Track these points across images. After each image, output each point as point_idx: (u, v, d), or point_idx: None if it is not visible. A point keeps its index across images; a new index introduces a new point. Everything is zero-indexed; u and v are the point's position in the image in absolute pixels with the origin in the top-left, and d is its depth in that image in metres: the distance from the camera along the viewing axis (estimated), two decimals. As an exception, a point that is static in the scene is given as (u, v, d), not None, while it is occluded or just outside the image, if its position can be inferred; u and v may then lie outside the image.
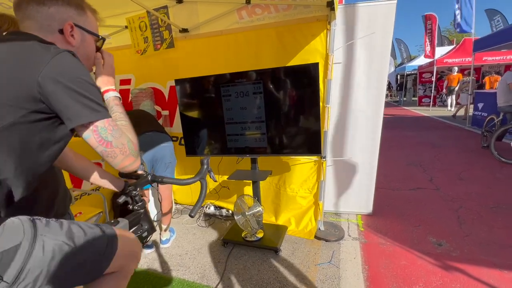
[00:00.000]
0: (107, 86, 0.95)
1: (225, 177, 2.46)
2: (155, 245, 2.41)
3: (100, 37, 0.93)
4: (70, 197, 1.04)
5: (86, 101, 0.73)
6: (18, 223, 0.69)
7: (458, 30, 8.88)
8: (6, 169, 0.69)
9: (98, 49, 0.96)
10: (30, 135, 0.72)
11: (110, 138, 0.76)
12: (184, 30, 2.57)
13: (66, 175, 2.28)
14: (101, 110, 0.76)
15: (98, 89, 0.79)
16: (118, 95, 0.97)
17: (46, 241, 0.71)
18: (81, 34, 0.86)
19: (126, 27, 2.73)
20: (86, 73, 0.75)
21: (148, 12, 2.52)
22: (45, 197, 0.90)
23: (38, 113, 0.71)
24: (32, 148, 0.73)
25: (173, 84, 2.36)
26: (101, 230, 0.84)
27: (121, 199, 1.11)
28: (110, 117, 0.78)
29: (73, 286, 0.80)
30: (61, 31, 0.82)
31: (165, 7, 2.47)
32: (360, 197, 2.71)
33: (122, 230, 0.94)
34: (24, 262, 0.66)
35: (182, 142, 2.84)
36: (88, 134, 0.74)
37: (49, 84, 0.68)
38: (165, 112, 2.94)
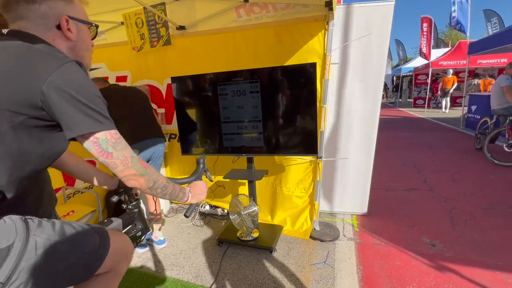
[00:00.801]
0: (188, 192, 1.04)
1: (221, 177, 2.44)
2: (149, 244, 2.38)
3: (93, 24, 0.90)
4: (56, 198, 1.02)
5: (89, 111, 0.71)
6: (10, 223, 0.68)
7: (457, 27, 8.85)
8: (0, 173, 0.68)
9: (93, 37, 0.93)
10: (27, 140, 0.70)
11: (111, 149, 0.75)
12: (181, 28, 2.54)
13: (58, 173, 2.25)
14: (105, 122, 0.74)
15: (104, 102, 0.77)
16: (187, 194, 1.03)
17: (38, 241, 0.70)
18: (76, 25, 0.83)
19: (122, 23, 2.70)
20: (92, 84, 0.74)
21: (144, 8, 2.48)
22: (34, 195, 0.88)
23: (36, 120, 0.69)
24: (28, 154, 0.72)
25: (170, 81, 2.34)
26: (94, 230, 0.82)
27: (115, 199, 1.09)
28: (114, 129, 0.77)
29: (65, 287, 0.79)
30: (58, 27, 0.80)
31: (163, 3, 2.44)
32: (355, 198, 2.72)
33: (115, 230, 0.93)
34: (16, 262, 0.65)
35: (180, 140, 2.82)
36: (89, 146, 0.73)
37: (53, 93, 0.67)
38: (161, 110, 2.90)
